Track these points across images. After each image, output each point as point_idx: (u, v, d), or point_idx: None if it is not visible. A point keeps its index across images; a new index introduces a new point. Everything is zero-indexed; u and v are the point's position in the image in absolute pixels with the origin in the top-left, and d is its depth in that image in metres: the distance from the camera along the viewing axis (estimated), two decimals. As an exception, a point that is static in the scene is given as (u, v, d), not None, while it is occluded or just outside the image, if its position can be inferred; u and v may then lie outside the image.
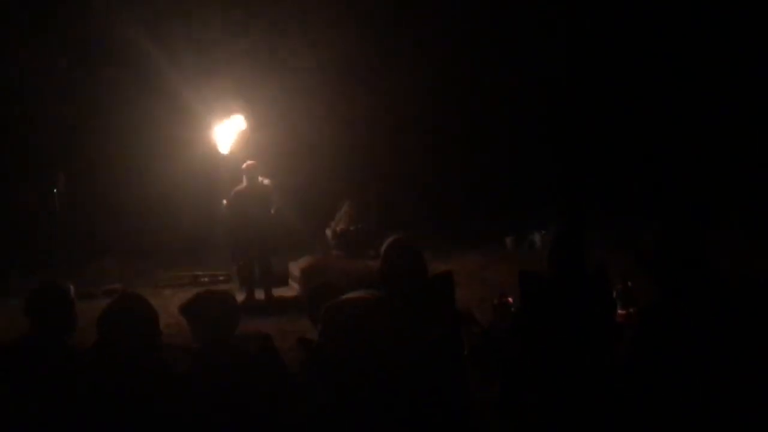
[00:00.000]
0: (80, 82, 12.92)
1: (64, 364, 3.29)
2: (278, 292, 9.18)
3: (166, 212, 12.68)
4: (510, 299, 4.41)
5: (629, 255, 3.21)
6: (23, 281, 8.96)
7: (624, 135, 13.64)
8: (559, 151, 13.91)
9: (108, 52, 12.89)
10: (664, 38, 13.36)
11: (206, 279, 10.14)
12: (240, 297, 7.86)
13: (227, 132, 9.34)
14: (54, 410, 3.03)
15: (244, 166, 8.62)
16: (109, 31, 12.42)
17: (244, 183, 8.56)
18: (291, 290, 9.33)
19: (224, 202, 8.65)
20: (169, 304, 8.62)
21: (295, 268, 9.47)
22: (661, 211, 10.74)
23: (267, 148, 10.08)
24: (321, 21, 13.20)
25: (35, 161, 12.41)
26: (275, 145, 10.83)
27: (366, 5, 13.40)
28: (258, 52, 12.76)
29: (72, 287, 3.66)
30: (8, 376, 3.38)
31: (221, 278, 10.09)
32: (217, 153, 9.36)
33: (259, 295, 8.76)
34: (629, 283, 4.24)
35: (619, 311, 4.06)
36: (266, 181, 8.65)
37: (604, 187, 13.02)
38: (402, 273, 3.66)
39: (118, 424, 2.81)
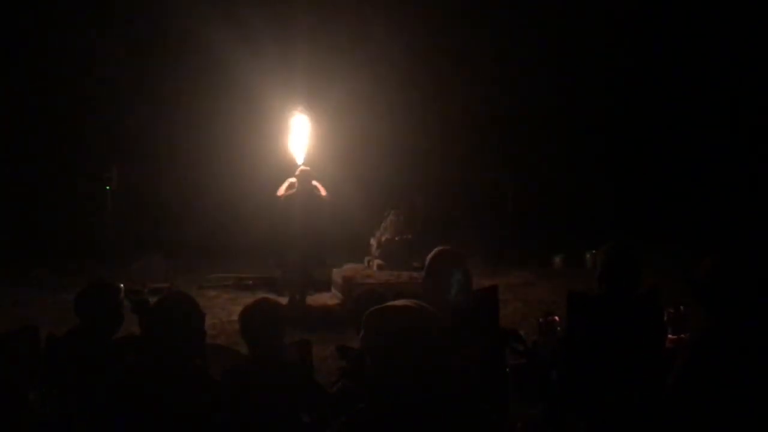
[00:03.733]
0: (137, 72, 13.18)
1: (109, 359, 3.34)
2: (321, 298, 9.20)
3: (218, 212, 12.85)
4: (556, 318, 4.30)
5: (683, 280, 3.12)
6: (75, 276, 9.16)
7: (680, 159, 13.45)
8: (613, 171, 13.76)
9: (179, 47, 13.09)
10: (726, 68, 13.17)
11: (251, 282, 10.20)
12: (282, 302, 7.89)
13: (301, 140, 9.27)
14: (94, 402, 3.06)
15: (297, 171, 8.66)
16: (183, 26, 12.61)
17: (295, 188, 8.57)
18: (334, 297, 9.33)
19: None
20: (213, 305, 8.72)
21: (338, 275, 9.48)
22: (718, 235, 10.46)
23: (325, 154, 9.98)
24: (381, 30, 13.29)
25: (89, 154, 12.70)
26: (332, 150, 10.76)
27: (442, 11, 13.46)
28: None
29: (122, 286, 3.73)
30: (56, 366, 3.46)
31: (265, 282, 10.15)
32: (292, 162, 9.15)
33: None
34: (682, 308, 4.09)
35: (670, 336, 3.92)
36: (318, 189, 8.63)
37: (658, 208, 12.81)
38: (446, 285, 3.61)
39: (152, 421, 2.82)
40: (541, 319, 4.36)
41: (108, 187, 11.07)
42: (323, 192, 8.61)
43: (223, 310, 8.45)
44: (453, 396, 2.15)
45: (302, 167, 8.70)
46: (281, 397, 3.18)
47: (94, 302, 3.58)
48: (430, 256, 3.75)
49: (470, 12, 13.66)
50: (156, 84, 13.16)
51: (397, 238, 9.93)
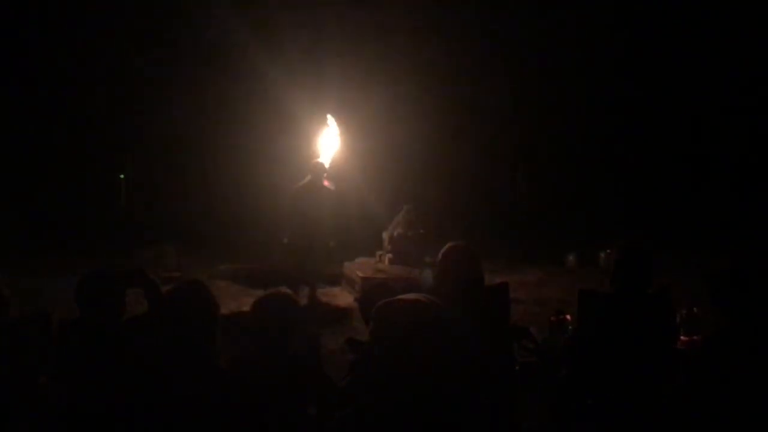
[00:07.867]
0: (153, 63, 13.21)
1: (118, 343, 3.35)
2: (332, 292, 9.19)
3: (231, 203, 12.88)
4: (568, 317, 4.28)
5: (700, 280, 3.09)
6: (88, 263, 9.19)
7: (695, 159, 13.38)
8: (627, 170, 13.71)
9: (197, 40, 13.12)
10: (738, 68, 13.08)
11: (262, 274, 10.19)
12: (295, 294, 7.86)
13: (329, 140, 9.27)
14: (104, 387, 3.07)
15: (311, 164, 8.68)
16: (202, 21, 12.63)
17: (306, 180, 8.55)
18: (344, 290, 9.34)
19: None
20: (223, 295, 8.71)
21: (350, 269, 9.47)
22: (732, 236, 10.37)
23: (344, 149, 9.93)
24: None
25: (104, 144, 12.75)
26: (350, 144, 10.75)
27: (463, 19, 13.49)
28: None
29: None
30: (67, 351, 3.49)
31: (276, 274, 10.12)
32: (314, 159, 9.10)
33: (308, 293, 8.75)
34: (695, 309, 4.05)
35: (682, 338, 3.89)
36: (327, 183, 8.60)
37: (673, 208, 12.73)
38: (457, 280, 3.59)
39: (161, 407, 2.83)
40: (552, 318, 4.35)
41: (122, 176, 11.13)
42: (327, 183, 8.55)
43: (233, 300, 8.46)
44: (461, 391, 2.14)
45: (317, 161, 8.70)
46: (289, 388, 3.17)
47: (92, 291, 3.59)
48: (441, 251, 3.74)
49: (484, 15, 13.64)
50: (172, 75, 13.19)
51: (409, 233, 9.88)
